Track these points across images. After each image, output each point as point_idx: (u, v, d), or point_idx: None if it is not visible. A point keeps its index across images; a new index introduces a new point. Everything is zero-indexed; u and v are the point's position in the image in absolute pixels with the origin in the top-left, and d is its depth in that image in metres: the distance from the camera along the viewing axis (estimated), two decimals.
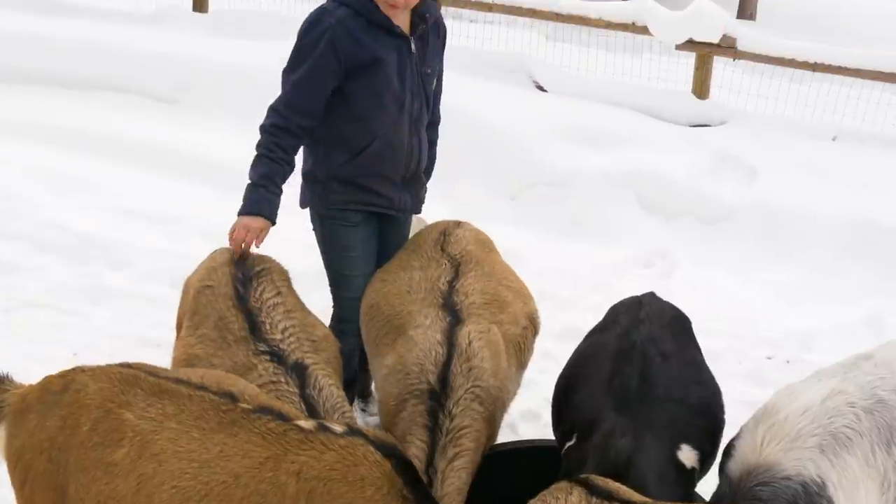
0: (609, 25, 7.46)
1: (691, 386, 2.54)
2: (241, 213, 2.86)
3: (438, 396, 2.53)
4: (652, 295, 2.92)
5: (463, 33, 8.28)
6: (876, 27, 16.29)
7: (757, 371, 4.18)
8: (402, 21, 2.93)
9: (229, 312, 2.65)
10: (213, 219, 5.04)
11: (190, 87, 6.85)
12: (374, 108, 2.92)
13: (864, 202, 5.67)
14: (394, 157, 3.01)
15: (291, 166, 2.96)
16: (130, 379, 2.18)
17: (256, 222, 2.84)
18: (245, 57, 6.83)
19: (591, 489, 2.07)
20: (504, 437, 3.01)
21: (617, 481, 2.14)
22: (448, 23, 8.60)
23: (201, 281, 2.80)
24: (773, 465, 2.18)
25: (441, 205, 4.94)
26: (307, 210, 3.21)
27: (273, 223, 2.89)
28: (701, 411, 2.51)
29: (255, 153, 2.93)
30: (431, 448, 2.47)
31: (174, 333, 2.97)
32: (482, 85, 6.87)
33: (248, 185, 2.89)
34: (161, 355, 3.61)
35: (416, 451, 2.46)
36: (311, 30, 2.87)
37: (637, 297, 2.90)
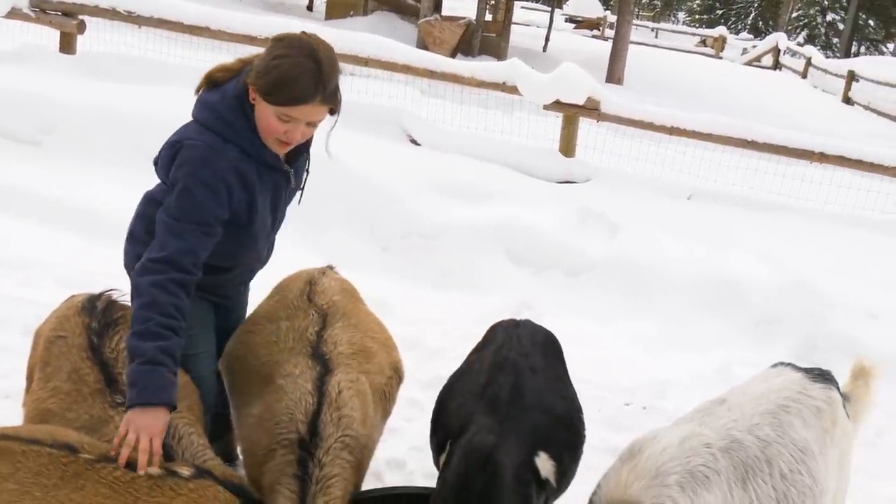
0: (481, 84, 7.75)
1: (557, 399, 2.70)
2: (137, 404, 2.22)
3: (308, 446, 2.52)
4: (528, 320, 3.11)
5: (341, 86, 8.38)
6: (730, 96, 17.56)
7: (615, 417, 4.34)
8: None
9: (83, 364, 2.55)
10: (73, 265, 4.88)
11: (54, 128, 6.62)
12: (244, 248, 2.77)
13: (716, 257, 6.03)
14: (250, 274, 2.99)
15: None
16: None
17: (159, 419, 2.23)
18: (113, 100, 6.68)
19: None
20: (369, 484, 3.02)
21: (476, 475, 2.30)
22: None
23: (53, 331, 2.68)
24: (634, 503, 2.28)
25: (312, 254, 4.95)
26: None
27: (175, 409, 2.33)
28: (563, 423, 2.65)
29: (143, 313, 2.35)
30: (302, 498, 2.45)
31: (25, 384, 2.84)
32: (356, 137, 6.94)
33: (142, 362, 2.27)
34: (10, 406, 3.43)
35: (284, 502, 2.44)
36: (201, 171, 2.49)
37: (515, 319, 3.09)
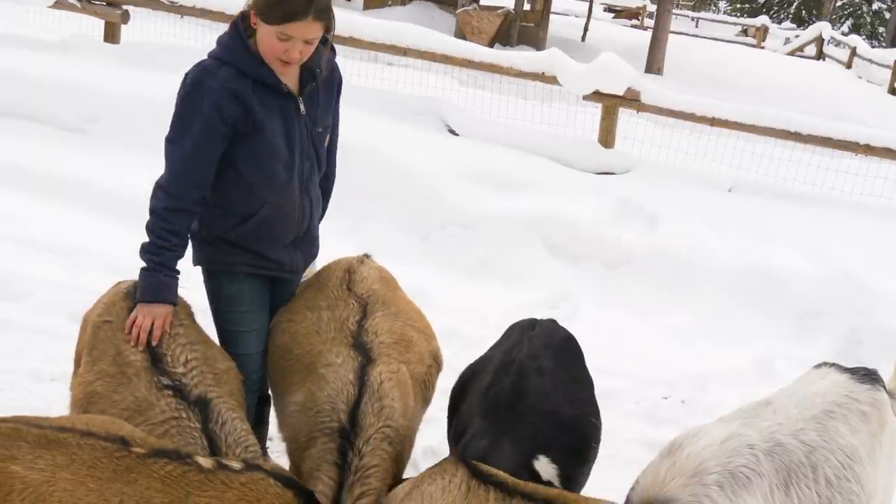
0: (520, 74, 7.71)
1: (562, 403, 2.66)
2: (140, 301, 2.71)
3: (349, 435, 2.56)
4: (550, 320, 3.06)
5: (379, 75, 8.41)
6: (772, 86, 17.28)
7: (653, 410, 4.32)
8: (291, 78, 2.78)
9: (129, 345, 2.61)
10: (117, 252, 4.96)
11: (99, 117, 6.74)
12: (260, 175, 2.79)
13: (757, 250, 5.96)
14: (284, 221, 2.90)
15: (186, 244, 2.82)
16: (11, 433, 2.07)
17: (161, 309, 2.70)
18: (156, 89, 6.75)
19: (473, 470, 2.23)
20: (406, 474, 3.04)
21: None
22: (364, 65, 8.71)
23: (100, 316, 2.74)
24: (671, 500, 2.26)
25: (350, 243, 4.98)
26: None
27: (175, 305, 2.76)
28: (566, 427, 2.62)
29: (146, 230, 2.75)
30: (339, 485, 2.48)
31: (72, 368, 2.91)
32: (395, 127, 6.97)
33: (143, 269, 2.75)
34: (56, 389, 3.52)
35: (322, 488, 2.47)
36: (193, 93, 2.68)
37: (535, 318, 3.05)
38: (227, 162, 2.76)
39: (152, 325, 2.66)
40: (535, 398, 2.60)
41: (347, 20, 7.83)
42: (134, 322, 2.66)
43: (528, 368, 2.68)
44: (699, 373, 4.75)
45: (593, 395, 2.87)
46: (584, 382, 2.88)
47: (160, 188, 2.74)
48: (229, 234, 2.87)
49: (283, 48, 2.64)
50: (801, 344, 5.26)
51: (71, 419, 2.26)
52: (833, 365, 2.85)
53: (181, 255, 2.79)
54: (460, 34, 17.77)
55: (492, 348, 2.98)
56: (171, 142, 2.73)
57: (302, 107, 2.82)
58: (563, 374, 2.78)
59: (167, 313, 2.70)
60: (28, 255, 5.00)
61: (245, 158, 2.76)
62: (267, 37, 2.65)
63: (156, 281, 2.72)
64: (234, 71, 2.69)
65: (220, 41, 2.79)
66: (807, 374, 2.87)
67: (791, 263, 5.82)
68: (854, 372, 2.77)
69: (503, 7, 20.12)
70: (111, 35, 8.63)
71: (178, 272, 2.78)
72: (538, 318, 3.11)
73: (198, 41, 8.76)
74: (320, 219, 3.22)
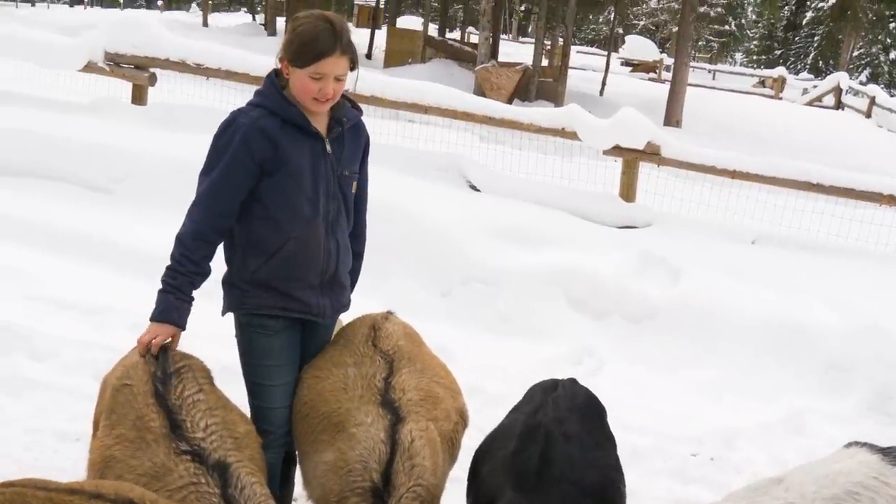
0: (540, 130, 7.79)
1: (588, 469, 2.63)
2: (151, 319, 2.89)
3: (381, 494, 2.55)
4: (571, 380, 3.03)
5: (400, 133, 8.51)
6: (791, 137, 17.33)
7: (681, 469, 4.24)
8: (320, 123, 2.96)
9: (148, 410, 2.59)
10: (143, 311, 4.93)
11: (125, 177, 6.85)
12: (286, 210, 2.91)
13: (783, 303, 5.90)
14: (309, 259, 2.97)
15: (203, 275, 2.94)
16: (16, 499, 2.04)
17: (166, 329, 2.87)
18: (181, 149, 6.88)
19: None
20: None
21: None
22: (385, 122, 8.84)
23: (119, 379, 2.74)
24: None
25: (373, 300, 4.98)
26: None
27: (183, 329, 2.91)
28: (594, 494, 2.57)
29: (170, 254, 2.91)
30: None
31: (92, 432, 2.91)
32: (416, 183, 7.03)
33: (159, 290, 2.91)
34: (81, 449, 3.51)
35: None
36: (225, 130, 2.89)
37: (556, 379, 3.02)
38: (254, 197, 2.90)
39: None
40: (561, 466, 2.57)
41: (371, 79, 7.97)
42: (140, 338, 2.85)
43: (554, 434, 2.66)
44: (726, 428, 4.67)
45: (617, 458, 2.83)
46: (607, 444, 2.85)
47: (187, 215, 2.92)
48: (256, 274, 2.96)
49: (318, 87, 2.84)
50: (830, 398, 5.17)
51: (81, 483, 2.23)
52: (864, 444, 2.64)
53: (197, 285, 2.93)
54: (479, 90, 18.00)
55: (513, 411, 2.94)
56: (203, 174, 2.92)
57: (328, 147, 2.96)
58: (589, 438, 2.75)
59: (170, 333, 2.87)
60: (54, 314, 5.04)
61: (271, 193, 2.90)
62: (300, 80, 2.85)
63: (167, 302, 2.88)
64: (265, 111, 2.90)
65: (256, 92, 2.99)
66: (835, 452, 2.68)
67: (817, 316, 5.75)
68: (887, 453, 2.55)
69: (522, 63, 20.38)
70: (139, 97, 8.83)
71: (191, 298, 2.93)
72: (558, 377, 3.08)
73: (223, 102, 8.93)
74: (354, 284, 3.27)
